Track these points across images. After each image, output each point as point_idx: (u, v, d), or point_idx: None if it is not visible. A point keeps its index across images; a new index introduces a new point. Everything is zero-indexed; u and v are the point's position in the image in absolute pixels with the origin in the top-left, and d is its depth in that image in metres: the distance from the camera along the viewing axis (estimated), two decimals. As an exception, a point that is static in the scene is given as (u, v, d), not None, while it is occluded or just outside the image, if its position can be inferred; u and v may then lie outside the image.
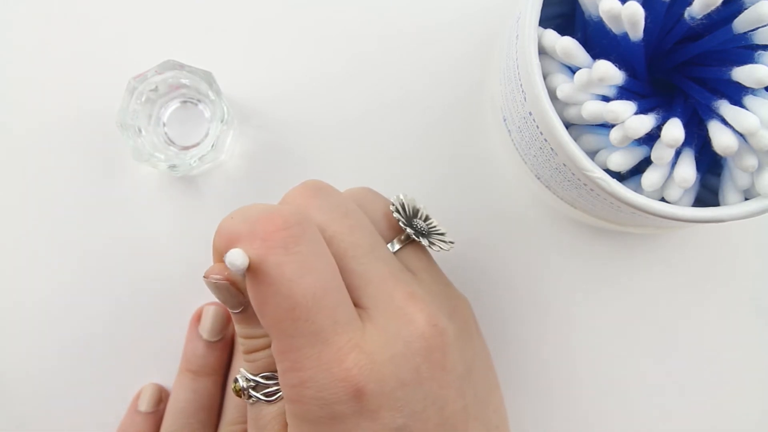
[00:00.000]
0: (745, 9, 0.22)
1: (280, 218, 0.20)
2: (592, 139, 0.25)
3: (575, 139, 0.23)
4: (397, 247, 0.24)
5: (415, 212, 0.25)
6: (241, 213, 0.21)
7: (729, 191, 0.24)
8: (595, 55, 0.23)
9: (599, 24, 0.23)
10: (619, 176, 0.24)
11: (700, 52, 0.24)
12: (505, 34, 0.28)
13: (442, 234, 0.25)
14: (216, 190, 0.32)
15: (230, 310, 0.23)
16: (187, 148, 0.31)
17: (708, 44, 0.23)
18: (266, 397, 0.22)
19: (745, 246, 0.32)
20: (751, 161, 0.23)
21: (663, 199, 0.24)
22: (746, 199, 0.24)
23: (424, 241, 0.24)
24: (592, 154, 0.24)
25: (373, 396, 0.20)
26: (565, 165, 0.24)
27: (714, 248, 0.32)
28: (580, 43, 0.23)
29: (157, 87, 0.30)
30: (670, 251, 0.32)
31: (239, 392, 0.23)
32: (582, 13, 0.25)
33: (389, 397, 0.20)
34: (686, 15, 0.22)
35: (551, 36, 0.24)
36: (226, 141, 0.30)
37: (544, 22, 0.24)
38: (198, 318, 0.31)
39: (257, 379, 0.22)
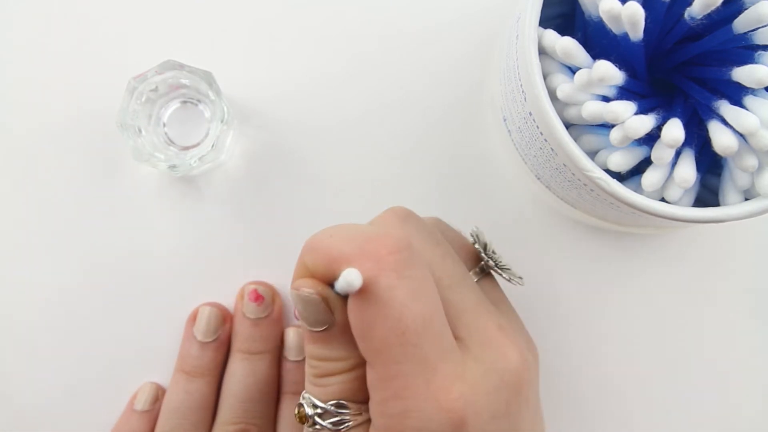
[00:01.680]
0: (745, 9, 0.22)
1: (392, 241, 0.20)
2: (592, 139, 0.25)
3: (575, 139, 0.23)
4: (474, 279, 0.24)
5: (485, 245, 0.25)
6: (341, 232, 0.21)
7: (729, 191, 0.24)
8: (595, 55, 0.23)
9: (599, 24, 0.23)
10: (619, 176, 0.24)
11: (700, 52, 0.24)
12: (505, 34, 0.28)
13: (509, 269, 0.25)
14: (216, 190, 0.32)
15: (310, 328, 0.21)
16: (187, 148, 0.31)
17: (708, 44, 0.23)
18: (334, 426, 0.21)
19: (745, 246, 0.32)
20: (751, 161, 0.23)
21: (663, 200, 0.24)
22: (746, 199, 0.24)
23: (505, 275, 0.24)
24: (592, 154, 0.24)
25: (473, 428, 0.19)
26: (565, 165, 0.24)
27: (714, 248, 0.32)
28: (580, 43, 0.23)
29: (157, 87, 0.30)
30: (670, 251, 0.32)
31: (303, 418, 0.22)
32: (582, 13, 0.25)
33: (482, 430, 0.20)
34: (686, 15, 0.22)
35: (551, 36, 0.24)
36: (226, 141, 0.30)
37: (544, 22, 0.24)
38: (194, 318, 0.31)
39: (326, 406, 0.21)
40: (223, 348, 0.31)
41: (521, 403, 0.21)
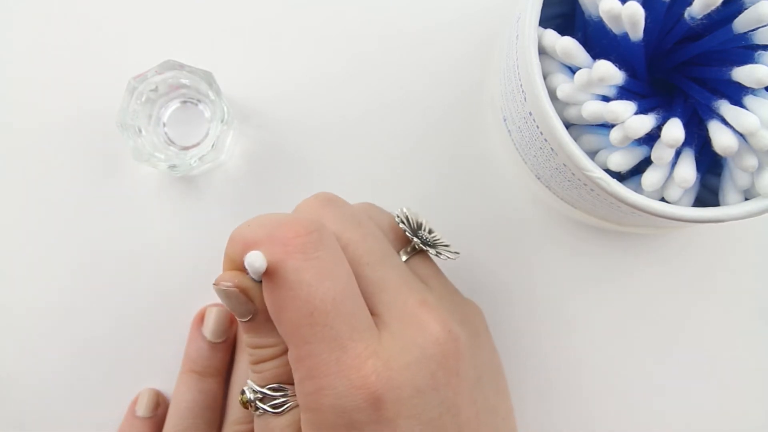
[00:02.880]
0: (745, 9, 0.22)
1: (299, 224, 0.20)
2: (592, 139, 0.25)
3: (575, 139, 0.23)
4: (404, 258, 0.24)
5: (419, 225, 0.25)
6: (256, 221, 0.21)
7: (729, 191, 0.24)
8: (595, 55, 0.23)
9: (599, 24, 0.23)
10: (619, 176, 0.24)
11: (700, 52, 0.24)
12: (505, 34, 0.28)
13: (446, 245, 0.25)
14: (216, 190, 0.32)
15: (239, 319, 0.22)
16: (187, 148, 0.31)
17: (708, 44, 0.23)
18: (273, 408, 0.22)
19: (746, 246, 0.32)
20: (751, 161, 0.23)
21: (663, 199, 0.24)
22: (746, 199, 0.24)
23: (432, 251, 0.25)
24: (592, 154, 0.24)
25: (391, 404, 0.20)
26: (565, 165, 0.24)
27: (714, 248, 0.32)
28: (580, 43, 0.23)
29: (157, 87, 0.30)
30: (670, 251, 0.32)
31: (246, 404, 0.22)
32: (582, 13, 0.25)
33: (406, 405, 0.20)
34: (686, 15, 0.22)
35: (551, 36, 0.24)
36: (226, 141, 0.30)
37: (544, 22, 0.24)
38: (201, 319, 0.31)
39: (264, 391, 0.22)
40: (231, 348, 0.31)
41: (450, 376, 0.21)
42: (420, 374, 0.20)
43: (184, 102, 0.31)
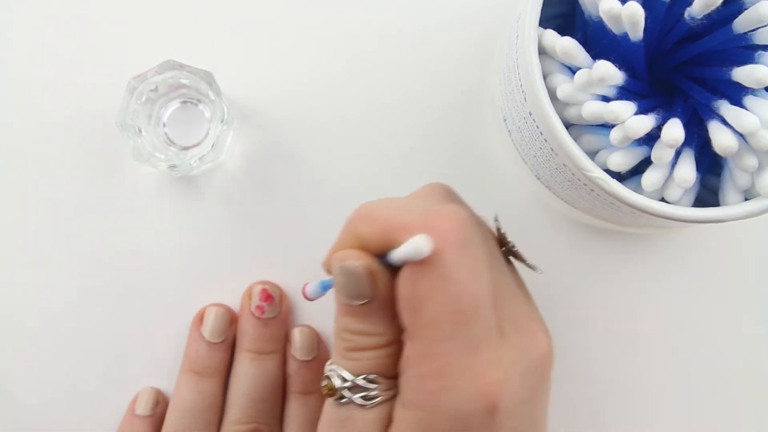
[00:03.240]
0: (745, 9, 0.22)
1: (456, 217, 0.19)
2: (592, 139, 0.25)
3: (575, 140, 0.23)
4: None
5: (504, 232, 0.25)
6: (399, 203, 0.21)
7: (729, 191, 0.24)
8: (595, 55, 0.23)
9: (599, 24, 0.23)
10: (619, 176, 0.24)
11: (700, 52, 0.24)
12: (505, 34, 0.28)
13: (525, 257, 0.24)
14: (216, 190, 0.32)
15: (347, 301, 0.21)
16: (187, 148, 0.31)
17: (708, 44, 0.23)
18: (364, 400, 0.20)
19: (746, 246, 0.32)
20: (751, 161, 0.23)
21: (663, 200, 0.24)
22: (746, 199, 0.24)
23: (529, 260, 0.24)
24: (592, 154, 0.24)
25: (503, 413, 0.19)
26: (565, 165, 0.24)
27: (714, 248, 0.32)
28: (580, 43, 0.23)
29: (157, 87, 0.30)
30: (670, 251, 0.32)
31: (331, 391, 0.21)
32: (582, 13, 0.25)
33: (512, 415, 0.19)
34: (686, 15, 0.22)
35: (551, 36, 0.24)
36: (226, 141, 0.30)
37: (544, 22, 0.24)
38: (200, 319, 0.31)
39: (358, 381, 0.21)
40: (231, 348, 0.31)
41: (543, 390, 0.21)
42: (526, 386, 0.20)
43: (184, 102, 0.31)
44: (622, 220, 0.29)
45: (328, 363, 0.22)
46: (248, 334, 0.30)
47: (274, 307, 0.30)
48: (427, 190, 0.23)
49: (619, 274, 0.32)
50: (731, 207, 0.23)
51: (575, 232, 0.32)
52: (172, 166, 0.29)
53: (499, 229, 0.24)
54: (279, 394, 0.30)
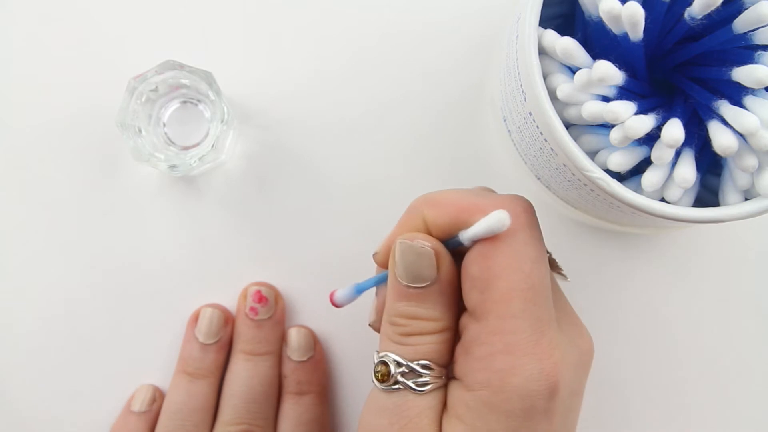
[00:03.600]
0: (745, 9, 0.22)
1: (525, 202, 0.21)
2: (592, 139, 0.25)
3: (575, 140, 0.23)
4: None
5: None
6: (462, 191, 0.22)
7: (729, 191, 0.24)
8: (595, 55, 0.23)
9: (599, 24, 0.23)
10: (619, 176, 0.24)
11: (700, 53, 0.24)
12: (505, 34, 0.28)
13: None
14: (216, 190, 0.32)
15: (409, 284, 0.21)
16: (187, 148, 0.31)
17: (708, 44, 0.23)
18: (418, 387, 0.21)
19: (746, 246, 0.32)
20: (751, 161, 0.23)
21: (663, 200, 0.24)
22: (746, 199, 0.24)
23: (562, 269, 0.25)
24: (592, 155, 0.24)
25: (560, 398, 0.20)
26: (565, 165, 0.24)
27: (714, 248, 0.32)
28: (580, 43, 0.23)
29: (157, 87, 0.30)
30: (670, 251, 0.32)
31: (385, 376, 0.21)
32: (582, 13, 0.25)
33: (565, 403, 0.20)
34: (686, 15, 0.22)
35: (551, 36, 0.24)
36: (226, 141, 0.30)
37: (544, 22, 0.24)
38: (195, 319, 0.31)
39: (413, 365, 0.21)
40: (225, 349, 0.31)
41: (583, 386, 0.22)
42: (577, 377, 0.21)
43: (184, 102, 0.31)
44: (622, 220, 0.29)
45: (376, 352, 0.22)
46: (242, 335, 0.30)
47: (268, 308, 0.30)
48: (484, 189, 0.24)
49: (619, 274, 0.32)
50: (731, 207, 0.23)
51: (575, 232, 0.32)
52: (172, 166, 0.29)
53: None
54: (272, 396, 0.30)
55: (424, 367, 0.21)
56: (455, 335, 0.21)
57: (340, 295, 0.24)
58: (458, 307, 0.21)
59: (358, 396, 0.32)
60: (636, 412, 0.32)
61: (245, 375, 0.30)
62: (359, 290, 0.24)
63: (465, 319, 0.21)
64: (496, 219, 0.19)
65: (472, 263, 0.20)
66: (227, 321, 0.31)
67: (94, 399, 0.31)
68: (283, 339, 0.31)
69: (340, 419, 0.32)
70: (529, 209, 0.21)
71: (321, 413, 0.30)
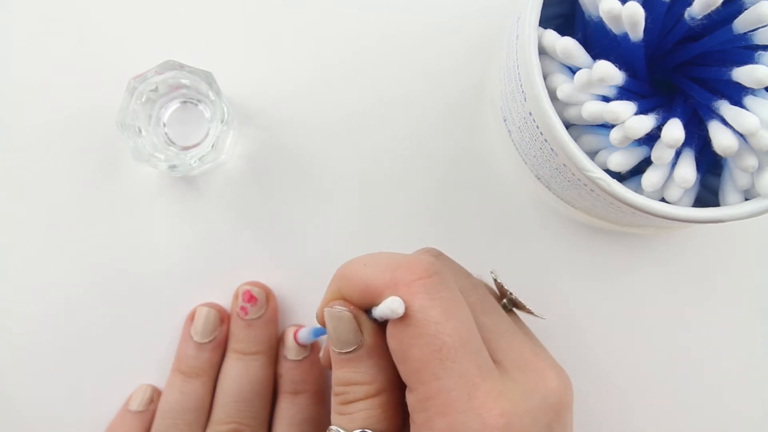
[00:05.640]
0: (745, 9, 0.22)
1: (420, 266, 0.21)
2: (592, 140, 0.25)
3: (575, 140, 0.23)
4: None
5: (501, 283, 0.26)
6: (371, 260, 0.22)
7: (729, 191, 0.24)
8: (595, 55, 0.23)
9: (599, 24, 0.23)
10: (619, 176, 0.24)
11: (700, 53, 0.24)
12: (505, 34, 0.28)
13: (530, 308, 0.26)
14: (216, 191, 0.32)
15: (338, 350, 0.22)
16: (187, 148, 0.31)
17: (708, 44, 0.23)
18: None
19: (745, 246, 0.32)
20: (751, 161, 0.23)
21: (663, 200, 0.24)
22: (746, 199, 0.24)
23: (530, 307, 0.25)
24: (592, 155, 0.24)
25: None
26: (565, 165, 0.24)
27: (714, 248, 0.32)
28: (580, 43, 0.23)
29: (157, 87, 0.30)
30: (670, 251, 0.32)
31: None
32: (582, 13, 0.25)
33: None
34: (686, 15, 0.22)
35: (551, 36, 0.24)
36: (226, 141, 0.30)
37: (544, 22, 0.24)
38: (192, 318, 0.31)
39: None
40: (220, 348, 0.31)
41: (563, 427, 0.21)
42: (539, 422, 0.20)
43: (184, 102, 0.31)
44: (622, 220, 0.29)
45: (331, 425, 0.23)
46: (234, 334, 0.31)
47: (258, 308, 0.30)
48: (416, 253, 0.25)
49: (619, 274, 0.32)
50: (731, 207, 0.23)
51: (575, 232, 0.32)
52: (172, 166, 0.29)
53: (496, 280, 0.25)
54: (264, 395, 0.30)
55: None
56: (396, 399, 0.22)
57: (301, 335, 0.29)
58: (393, 371, 0.22)
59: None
60: (635, 412, 0.32)
61: (235, 374, 0.30)
62: (316, 334, 0.28)
63: (406, 392, 0.21)
64: (388, 308, 0.20)
65: (389, 339, 0.21)
66: (223, 320, 0.31)
67: (93, 398, 0.31)
68: (278, 338, 0.31)
69: (340, 419, 0.32)
70: (424, 273, 0.21)
71: (316, 413, 0.30)
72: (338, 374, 0.22)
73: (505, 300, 0.25)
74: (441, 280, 0.21)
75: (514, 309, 0.25)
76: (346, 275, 0.22)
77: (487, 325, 0.22)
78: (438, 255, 0.25)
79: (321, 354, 0.26)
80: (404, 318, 0.20)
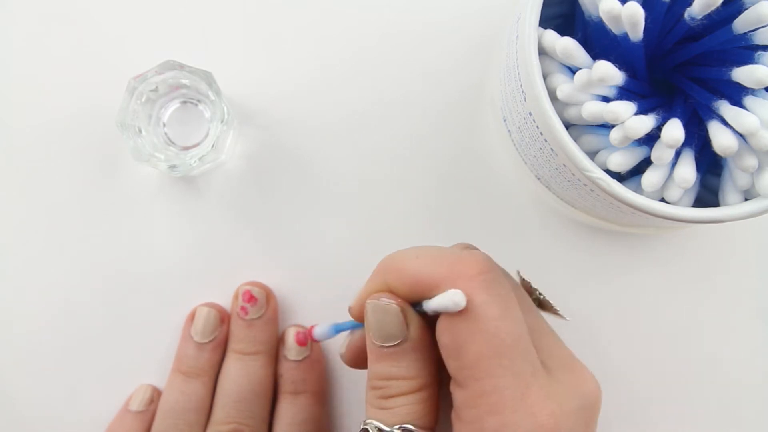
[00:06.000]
0: (745, 9, 0.22)
1: (480, 262, 0.21)
2: (592, 140, 0.25)
3: (575, 140, 0.23)
4: None
5: (529, 282, 0.26)
6: (424, 252, 0.22)
7: (729, 191, 0.24)
8: (595, 55, 0.23)
9: (599, 24, 0.23)
10: (619, 176, 0.24)
11: (700, 53, 0.24)
12: (505, 34, 0.28)
13: (556, 308, 0.26)
14: (216, 191, 0.32)
15: (381, 344, 0.22)
16: (187, 148, 0.31)
17: (708, 44, 0.23)
18: None
19: (745, 246, 0.32)
20: (751, 161, 0.23)
21: (663, 200, 0.24)
22: (746, 199, 0.24)
23: (556, 307, 0.25)
24: (592, 155, 0.24)
25: None
26: (565, 165, 0.24)
27: (714, 248, 0.32)
28: (580, 43, 0.23)
29: (157, 87, 0.30)
30: (670, 251, 0.32)
31: None
32: (582, 13, 0.25)
33: None
34: (686, 15, 0.22)
35: (551, 36, 0.24)
36: (226, 141, 0.30)
37: (544, 22, 0.24)
38: (192, 318, 0.31)
39: (394, 430, 0.21)
40: (220, 348, 0.31)
41: (594, 426, 0.22)
42: (580, 422, 0.21)
43: (184, 102, 0.31)
44: (622, 220, 0.29)
45: (366, 418, 0.22)
46: (234, 334, 0.31)
47: (258, 308, 0.30)
48: (456, 247, 0.24)
49: (619, 274, 0.32)
50: (731, 207, 0.23)
51: (575, 232, 0.32)
52: (172, 166, 0.29)
53: (523, 279, 0.25)
54: (264, 395, 0.30)
55: (405, 431, 0.21)
56: (436, 395, 0.22)
57: (318, 332, 0.27)
58: (435, 366, 0.22)
59: (356, 397, 0.32)
60: (635, 412, 0.32)
61: (235, 374, 0.30)
62: (337, 330, 0.26)
63: (452, 386, 0.21)
64: (450, 300, 0.20)
65: (441, 333, 0.21)
66: (223, 320, 0.31)
67: (93, 398, 0.31)
68: (278, 338, 0.31)
69: (339, 420, 0.32)
70: (485, 268, 0.21)
71: (317, 413, 0.30)
72: (378, 368, 0.22)
73: (532, 298, 0.25)
74: (497, 277, 0.21)
75: (540, 309, 0.25)
76: (397, 267, 0.22)
77: (531, 324, 0.22)
78: (474, 249, 0.24)
79: (342, 350, 0.25)
80: (463, 313, 0.20)
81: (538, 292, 0.25)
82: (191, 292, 0.31)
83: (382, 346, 0.22)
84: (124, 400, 0.31)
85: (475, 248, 0.24)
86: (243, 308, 0.30)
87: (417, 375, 0.21)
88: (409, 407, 0.21)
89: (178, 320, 0.31)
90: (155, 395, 0.31)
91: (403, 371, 0.21)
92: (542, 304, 0.25)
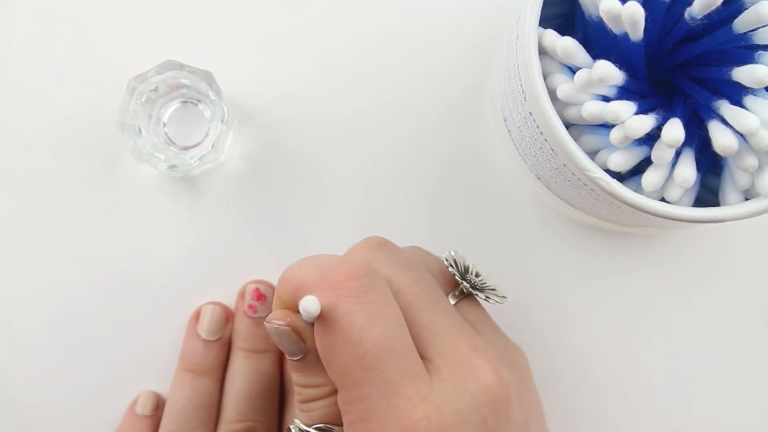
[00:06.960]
0: (745, 9, 0.22)
1: (351, 268, 0.21)
2: (592, 139, 0.25)
3: (575, 139, 0.23)
4: (453, 301, 0.24)
5: (466, 268, 0.25)
6: (307, 262, 0.22)
7: (729, 191, 0.24)
8: (595, 55, 0.23)
9: (599, 24, 0.23)
10: (619, 176, 0.24)
11: (701, 53, 0.24)
12: (505, 34, 0.28)
13: (493, 289, 0.25)
14: (216, 191, 0.32)
15: (289, 358, 0.22)
16: (187, 148, 0.31)
17: (708, 44, 0.23)
18: None
19: (745, 246, 0.32)
20: (751, 161, 0.23)
21: (663, 199, 0.24)
22: (746, 199, 0.24)
23: (480, 295, 0.25)
24: (592, 154, 0.24)
25: None
26: (565, 165, 0.24)
27: (714, 248, 0.32)
28: (580, 43, 0.23)
29: (157, 87, 0.30)
30: (670, 251, 0.32)
31: None
32: (582, 13, 0.25)
33: None
34: (686, 15, 0.22)
35: (551, 36, 0.24)
36: (226, 141, 0.30)
37: (544, 22, 0.24)
38: (197, 317, 0.31)
39: (311, 430, 0.22)
40: (226, 347, 0.31)
41: (500, 421, 0.21)
42: (471, 420, 0.20)
43: (184, 102, 0.31)
44: (622, 220, 0.29)
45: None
46: (241, 332, 0.30)
47: (267, 306, 0.31)
48: (357, 245, 0.24)
49: (619, 274, 0.32)
50: (731, 207, 0.23)
51: (575, 232, 0.32)
52: (172, 166, 0.29)
53: (451, 266, 0.25)
54: (274, 392, 0.30)
55: (322, 430, 0.22)
56: None
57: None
58: None
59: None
60: (635, 412, 0.32)
61: (245, 372, 0.30)
62: None
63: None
64: (303, 310, 0.20)
65: (316, 341, 0.21)
66: (228, 319, 0.31)
67: (93, 398, 0.31)
68: None
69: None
70: (352, 275, 0.21)
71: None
72: (294, 377, 0.23)
73: (460, 286, 0.25)
74: (371, 282, 0.21)
75: (477, 294, 0.25)
76: (283, 278, 0.22)
77: (422, 322, 0.22)
78: (380, 245, 0.24)
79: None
80: (328, 323, 0.20)
81: (470, 278, 0.25)
82: (191, 291, 0.31)
83: (291, 360, 0.22)
84: (125, 401, 0.31)
85: (378, 242, 0.24)
86: (251, 306, 0.30)
87: (327, 382, 0.22)
88: (323, 410, 0.22)
89: (179, 320, 0.31)
90: (160, 401, 0.31)
91: (313, 380, 0.22)
92: (476, 288, 0.25)
